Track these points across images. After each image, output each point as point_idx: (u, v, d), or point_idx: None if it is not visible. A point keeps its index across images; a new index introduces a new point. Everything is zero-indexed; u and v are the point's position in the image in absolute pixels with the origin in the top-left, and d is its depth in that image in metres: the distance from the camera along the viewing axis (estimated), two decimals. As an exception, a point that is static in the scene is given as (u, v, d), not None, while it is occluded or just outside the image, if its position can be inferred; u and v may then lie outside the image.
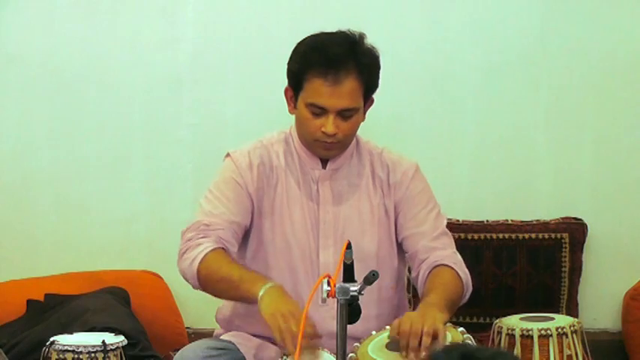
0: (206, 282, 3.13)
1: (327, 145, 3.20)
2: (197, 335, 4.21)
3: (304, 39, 3.22)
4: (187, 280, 3.18)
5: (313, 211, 3.25)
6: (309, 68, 3.14)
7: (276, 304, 2.92)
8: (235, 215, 3.21)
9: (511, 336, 3.44)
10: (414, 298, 4.01)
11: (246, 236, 3.27)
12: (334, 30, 3.21)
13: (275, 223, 3.25)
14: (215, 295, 3.19)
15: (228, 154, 3.32)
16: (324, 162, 3.28)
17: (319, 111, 3.15)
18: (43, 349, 3.39)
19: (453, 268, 3.21)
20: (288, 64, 3.21)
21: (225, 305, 3.38)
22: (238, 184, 3.24)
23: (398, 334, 2.84)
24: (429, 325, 2.81)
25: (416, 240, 3.27)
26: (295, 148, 3.29)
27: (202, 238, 3.15)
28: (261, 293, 2.96)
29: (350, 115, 3.16)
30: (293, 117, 3.28)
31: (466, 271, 3.25)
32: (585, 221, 4.52)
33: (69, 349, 3.34)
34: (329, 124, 3.14)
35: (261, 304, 2.94)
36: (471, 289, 3.26)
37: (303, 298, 3.17)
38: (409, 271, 3.41)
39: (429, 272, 3.21)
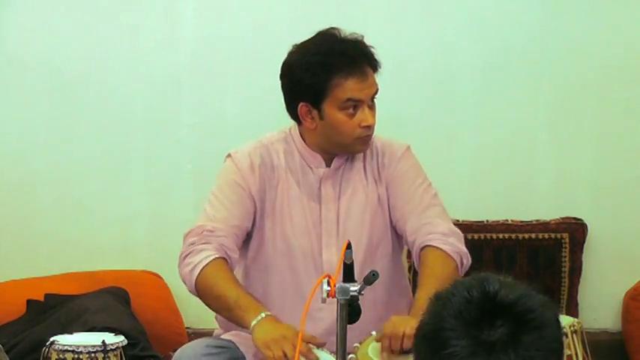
0: (203, 295, 3.15)
1: (367, 139, 3.21)
2: (197, 335, 4.20)
3: (295, 55, 3.19)
4: (186, 285, 3.20)
5: (315, 210, 3.24)
6: (333, 74, 3.12)
7: (268, 333, 2.94)
8: (237, 219, 3.21)
9: (511, 336, 3.43)
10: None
11: (248, 236, 3.27)
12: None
13: (276, 223, 3.24)
14: (211, 309, 3.21)
15: (229, 155, 3.31)
16: (328, 161, 3.28)
17: (353, 107, 3.14)
18: (43, 349, 3.38)
19: (440, 249, 3.16)
20: (297, 81, 3.17)
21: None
22: (241, 187, 3.23)
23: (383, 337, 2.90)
24: (411, 327, 2.80)
25: (405, 219, 3.23)
26: (297, 148, 3.27)
27: (205, 244, 3.16)
28: (253, 323, 2.99)
29: (373, 101, 3.20)
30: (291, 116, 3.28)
31: (456, 244, 3.18)
32: (585, 221, 4.52)
33: (69, 349, 3.33)
34: (368, 116, 3.16)
35: (254, 335, 2.97)
36: (468, 261, 3.19)
37: (305, 298, 3.17)
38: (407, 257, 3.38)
39: (419, 259, 3.17)
